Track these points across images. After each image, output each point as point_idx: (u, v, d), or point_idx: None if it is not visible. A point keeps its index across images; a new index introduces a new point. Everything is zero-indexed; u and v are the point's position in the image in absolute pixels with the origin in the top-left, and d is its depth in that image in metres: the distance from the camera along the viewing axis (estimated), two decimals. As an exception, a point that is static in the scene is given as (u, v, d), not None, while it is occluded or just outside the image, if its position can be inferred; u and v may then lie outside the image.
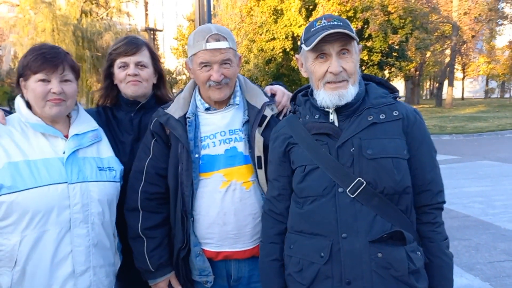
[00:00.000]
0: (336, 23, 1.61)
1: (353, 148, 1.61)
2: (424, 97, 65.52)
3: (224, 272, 1.99)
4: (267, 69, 28.66)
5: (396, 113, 1.66)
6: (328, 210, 1.61)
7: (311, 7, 26.17)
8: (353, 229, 1.58)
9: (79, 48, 36.66)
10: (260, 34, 27.90)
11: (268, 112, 1.96)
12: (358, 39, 1.66)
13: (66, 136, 1.86)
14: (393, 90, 1.75)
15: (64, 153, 1.81)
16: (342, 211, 1.59)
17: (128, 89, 2.19)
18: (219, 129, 1.96)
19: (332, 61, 1.62)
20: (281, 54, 27.93)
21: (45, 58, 1.76)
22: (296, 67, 30.48)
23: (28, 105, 1.85)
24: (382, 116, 1.65)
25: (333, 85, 1.63)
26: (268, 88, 2.15)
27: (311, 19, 25.62)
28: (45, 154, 1.79)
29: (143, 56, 2.19)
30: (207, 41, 1.86)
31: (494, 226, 5.86)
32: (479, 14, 32.55)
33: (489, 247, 5.09)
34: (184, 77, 42.50)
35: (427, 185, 1.67)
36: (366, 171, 1.59)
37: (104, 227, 1.87)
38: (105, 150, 1.99)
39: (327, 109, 1.68)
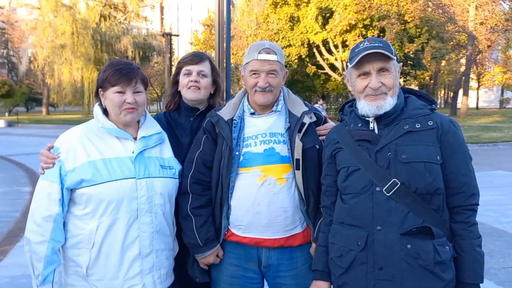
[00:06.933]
0: (376, 44, 1.88)
1: (390, 153, 1.84)
2: (438, 106, 65.00)
3: (256, 258, 2.24)
4: (282, 75, 28.77)
5: (430, 123, 1.86)
6: (366, 206, 1.86)
7: (327, 15, 26.33)
8: (387, 222, 1.81)
9: (97, 51, 37.28)
10: (276, 41, 28.10)
11: (307, 120, 2.26)
12: (396, 58, 1.91)
13: (135, 138, 2.15)
14: (432, 102, 1.96)
15: (133, 152, 2.10)
16: (378, 207, 1.83)
17: (188, 94, 2.52)
18: (261, 131, 2.25)
19: (372, 78, 1.89)
20: (296, 60, 28.14)
21: (122, 73, 2.07)
22: (310, 74, 30.68)
23: (105, 112, 2.16)
24: (418, 125, 1.86)
25: (372, 97, 1.89)
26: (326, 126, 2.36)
27: (327, 27, 25.83)
28: (118, 153, 2.08)
29: (205, 67, 2.53)
30: (259, 53, 2.21)
31: (508, 234, 6.05)
32: (495, 24, 32.45)
33: (503, 254, 5.28)
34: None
35: (461, 188, 1.85)
36: (401, 173, 1.81)
37: (165, 217, 2.16)
38: (167, 151, 2.29)
39: (367, 118, 1.93)
